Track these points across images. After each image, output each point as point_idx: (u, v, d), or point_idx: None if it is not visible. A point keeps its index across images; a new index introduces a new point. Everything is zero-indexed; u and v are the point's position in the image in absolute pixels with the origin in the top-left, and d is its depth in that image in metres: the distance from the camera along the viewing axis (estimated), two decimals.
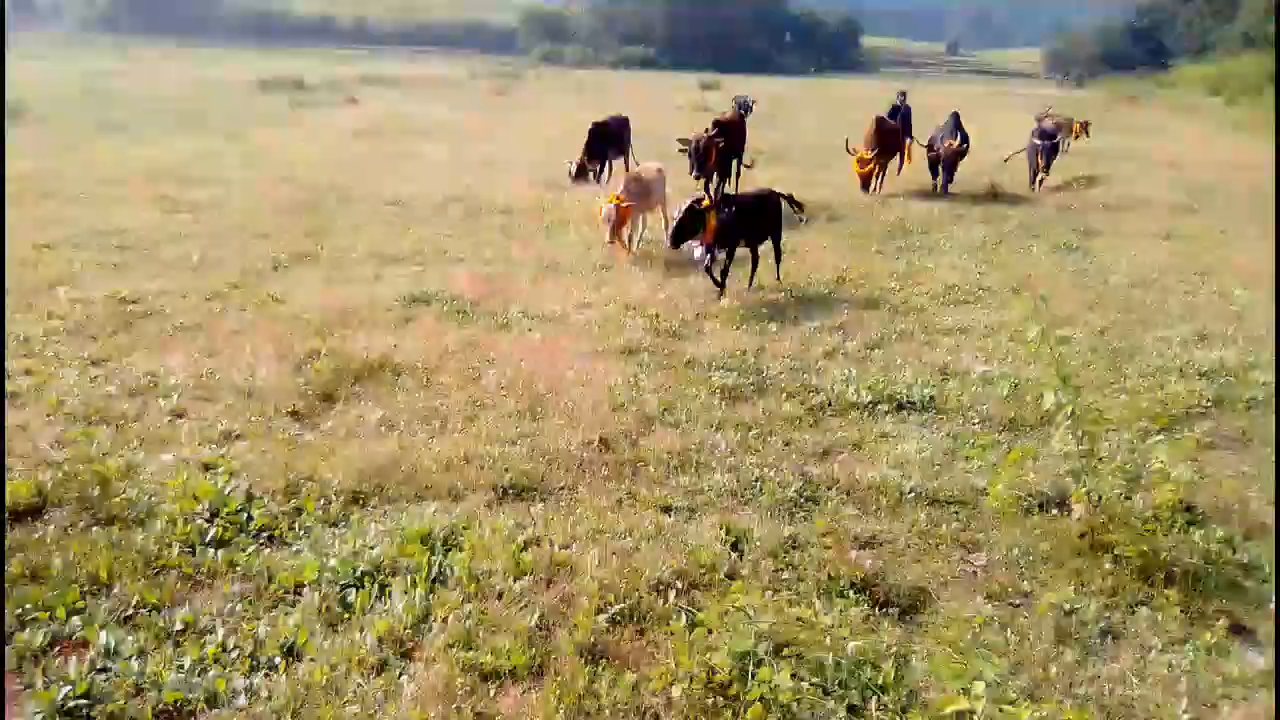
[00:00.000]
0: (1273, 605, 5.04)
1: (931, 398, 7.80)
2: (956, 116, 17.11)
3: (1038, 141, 17.96)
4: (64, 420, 6.64)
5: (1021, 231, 14.77)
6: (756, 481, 6.25)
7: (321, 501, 5.64)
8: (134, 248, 11.52)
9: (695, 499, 6.01)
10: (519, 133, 27.08)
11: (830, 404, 7.64)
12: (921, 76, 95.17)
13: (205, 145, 22.01)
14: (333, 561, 4.95)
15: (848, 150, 16.87)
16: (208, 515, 5.37)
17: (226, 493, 5.57)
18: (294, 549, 5.16)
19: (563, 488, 6.08)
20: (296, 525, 5.39)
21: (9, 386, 7.09)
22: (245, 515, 5.40)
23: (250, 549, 5.11)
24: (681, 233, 10.01)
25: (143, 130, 25.35)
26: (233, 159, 19.69)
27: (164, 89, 39.73)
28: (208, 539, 5.15)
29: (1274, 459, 6.56)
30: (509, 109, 35.74)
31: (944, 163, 16.57)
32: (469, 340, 8.65)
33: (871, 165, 16.68)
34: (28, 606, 4.52)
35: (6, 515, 5.21)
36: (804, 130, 30.56)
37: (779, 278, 11.12)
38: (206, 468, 5.98)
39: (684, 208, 10.10)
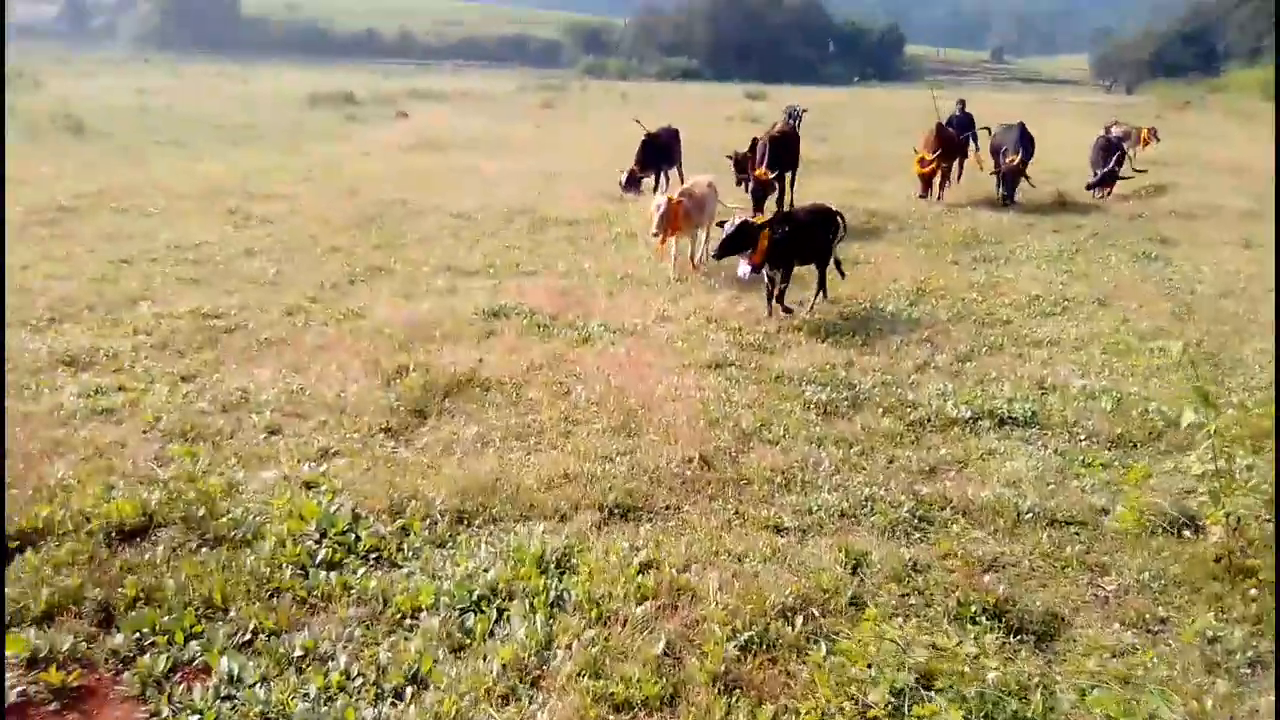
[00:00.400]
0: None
1: (1034, 413, 7.54)
2: (1023, 127, 16.66)
3: (1103, 153, 17.48)
4: (160, 437, 6.58)
5: (1096, 241, 14.46)
6: (866, 501, 6.04)
7: (427, 521, 5.52)
8: (209, 262, 11.54)
9: (805, 519, 5.82)
10: (571, 145, 27.13)
11: (929, 420, 7.43)
12: (965, 84, 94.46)
13: (265, 160, 22.19)
14: (448, 585, 4.82)
15: (916, 153, 16.61)
16: (315, 536, 5.26)
17: (332, 512, 5.46)
18: (405, 571, 5.03)
19: (668, 507, 5.91)
20: (405, 546, 5.26)
21: (104, 403, 7.07)
22: (353, 535, 5.29)
23: (361, 571, 5.00)
24: (729, 246, 9.47)
25: (200, 146, 25.65)
26: (293, 173, 19.79)
27: (217, 105, 40.23)
28: (318, 560, 5.04)
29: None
30: (558, 121, 35.83)
31: (1005, 177, 16.10)
32: (554, 354, 8.52)
33: (933, 166, 16.41)
34: (145, 630, 4.42)
35: (112, 534, 5.15)
36: (855, 139, 30.40)
37: (826, 297, 10.55)
38: (308, 486, 5.88)
39: (734, 221, 9.58)
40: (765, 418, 7.28)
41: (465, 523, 5.58)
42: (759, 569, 5.14)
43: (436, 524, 5.49)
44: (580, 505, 5.81)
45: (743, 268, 9.73)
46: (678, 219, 11.01)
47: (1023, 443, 7.11)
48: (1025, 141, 16.36)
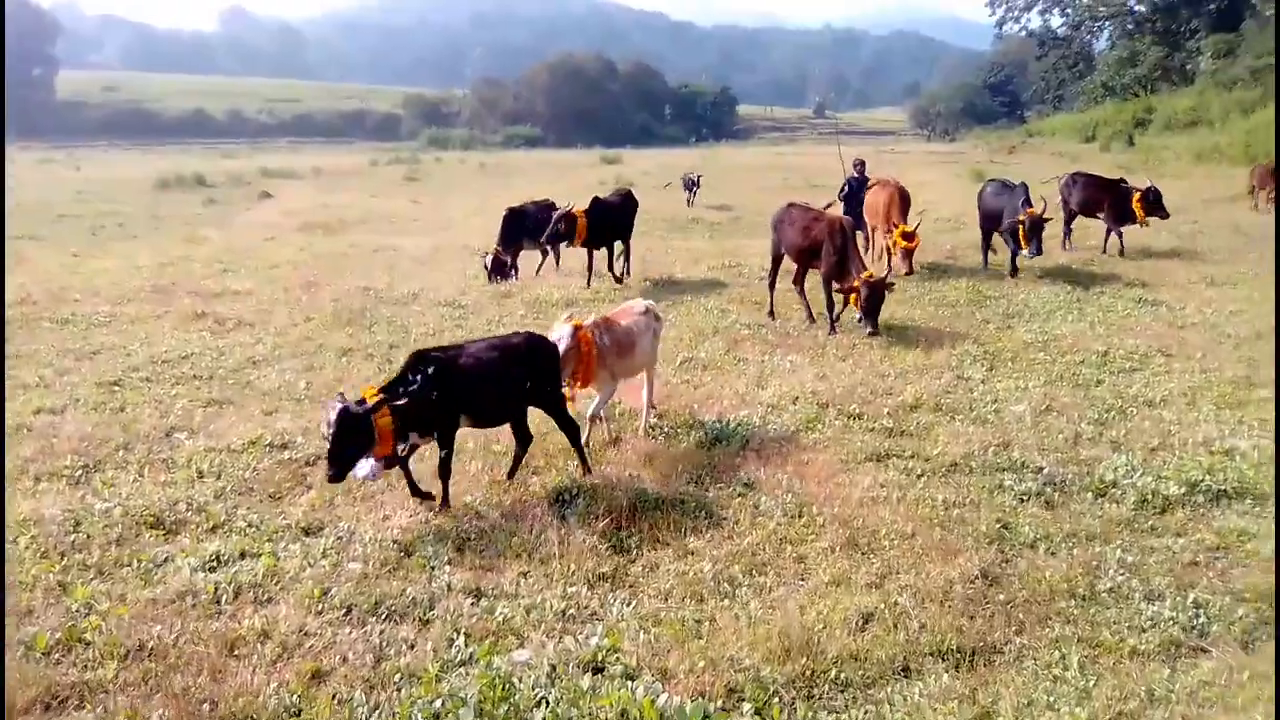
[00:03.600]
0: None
1: (1239, 483, 7.10)
2: (1026, 187, 15.79)
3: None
4: (340, 614, 5.28)
5: (1079, 291, 14.23)
6: (1193, 608, 5.36)
7: (775, 701, 4.48)
8: (215, 378, 9.98)
9: (1152, 636, 5.10)
10: (464, 218, 25.66)
11: (1147, 500, 6.89)
12: (796, 140, 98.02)
13: (165, 253, 20.10)
14: None
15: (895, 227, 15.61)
16: None
17: (660, 704, 4.35)
18: None
19: (1007, 643, 5.07)
20: None
21: (242, 576, 5.66)
22: None
23: None
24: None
25: (70, 239, 23.22)
26: (209, 265, 17.96)
27: (58, 193, 37.03)
28: None
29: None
30: (431, 194, 34.38)
31: (1030, 230, 14.88)
32: (700, 461, 7.54)
33: (917, 239, 15.58)
34: None
35: None
36: (748, 197, 30.17)
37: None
38: (595, 670, 4.75)
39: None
40: (998, 518, 6.54)
41: (811, 696, 4.58)
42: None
43: (789, 706, 4.47)
44: (915, 654, 4.91)
45: (364, 468, 6.35)
46: (589, 361, 7.55)
47: (1256, 518, 6.63)
48: (1028, 199, 15.38)
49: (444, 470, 6.65)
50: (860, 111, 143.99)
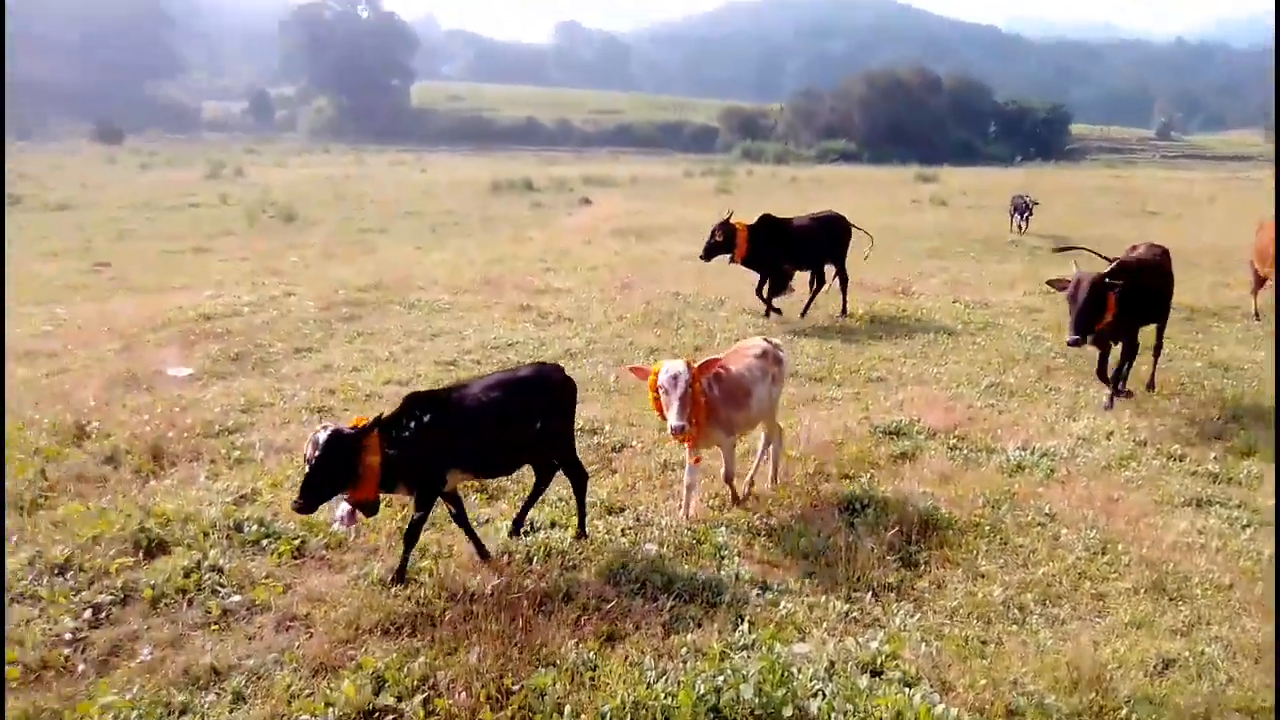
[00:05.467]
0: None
1: None
2: None
3: None
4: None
5: None
6: None
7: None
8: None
9: None
10: None
11: None
12: (1135, 163, 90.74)
13: (494, 250, 22.02)
14: None
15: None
16: None
17: (937, 714, 4.37)
18: None
19: None
20: None
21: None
22: None
23: None
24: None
25: (413, 234, 25.89)
26: (533, 263, 19.46)
27: (405, 192, 41.31)
28: None
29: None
30: (745, 206, 34.81)
31: None
32: (998, 487, 7.35)
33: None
34: None
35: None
36: (1079, 225, 28.37)
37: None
38: (874, 673, 4.83)
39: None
40: None
41: None
42: None
43: None
44: (1219, 708, 4.59)
45: (339, 512, 5.67)
46: (699, 410, 6.43)
47: None
48: None
49: (411, 534, 5.79)
50: (1211, 134, 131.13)
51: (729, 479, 6.99)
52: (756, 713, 4.35)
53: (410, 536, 5.79)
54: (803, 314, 13.95)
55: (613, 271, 17.95)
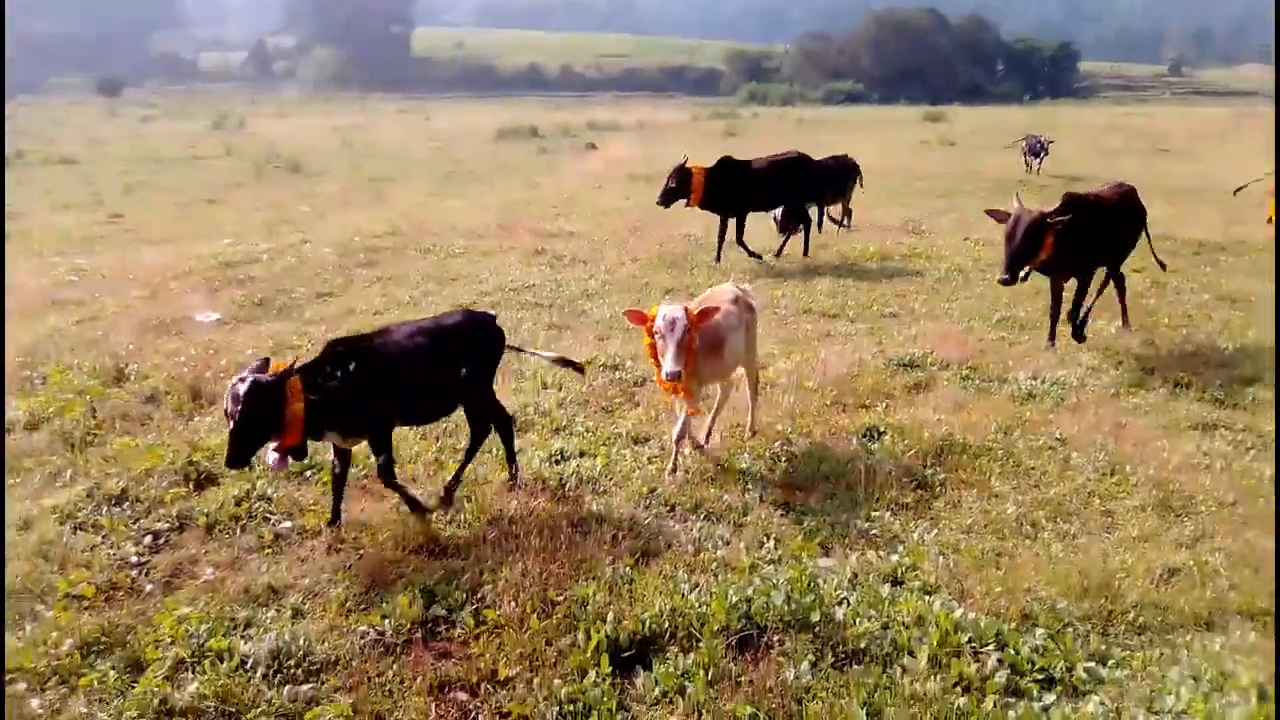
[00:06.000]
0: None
1: None
2: None
3: None
4: (696, 519, 5.95)
5: None
6: None
7: (1070, 631, 4.65)
8: (555, 305, 11.13)
9: None
10: None
11: None
12: (1146, 100, 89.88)
13: (506, 195, 22.17)
14: None
15: None
16: (970, 651, 4.46)
17: (956, 616, 4.65)
18: (1097, 700, 4.18)
19: None
20: (1069, 665, 4.40)
21: (584, 468, 6.50)
22: (1005, 649, 4.45)
23: (1051, 700, 4.17)
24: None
25: (423, 182, 26.00)
26: (546, 208, 19.63)
27: (411, 141, 41.27)
28: (1001, 683, 4.23)
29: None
30: (752, 148, 34.79)
31: None
32: (1013, 415, 7.59)
33: None
34: None
35: (730, 641, 4.47)
36: (1092, 162, 28.33)
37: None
38: (894, 583, 5.11)
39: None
40: None
41: (1106, 633, 4.70)
42: None
43: (1083, 637, 4.62)
44: (1221, 611, 4.87)
45: (271, 459, 5.41)
46: (693, 356, 6.23)
47: None
48: None
49: (387, 477, 5.72)
50: (1226, 68, 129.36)
51: (679, 439, 6.52)
52: (786, 619, 4.64)
53: (387, 479, 5.71)
54: (777, 254, 13.99)
55: (623, 215, 18.11)
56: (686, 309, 6.19)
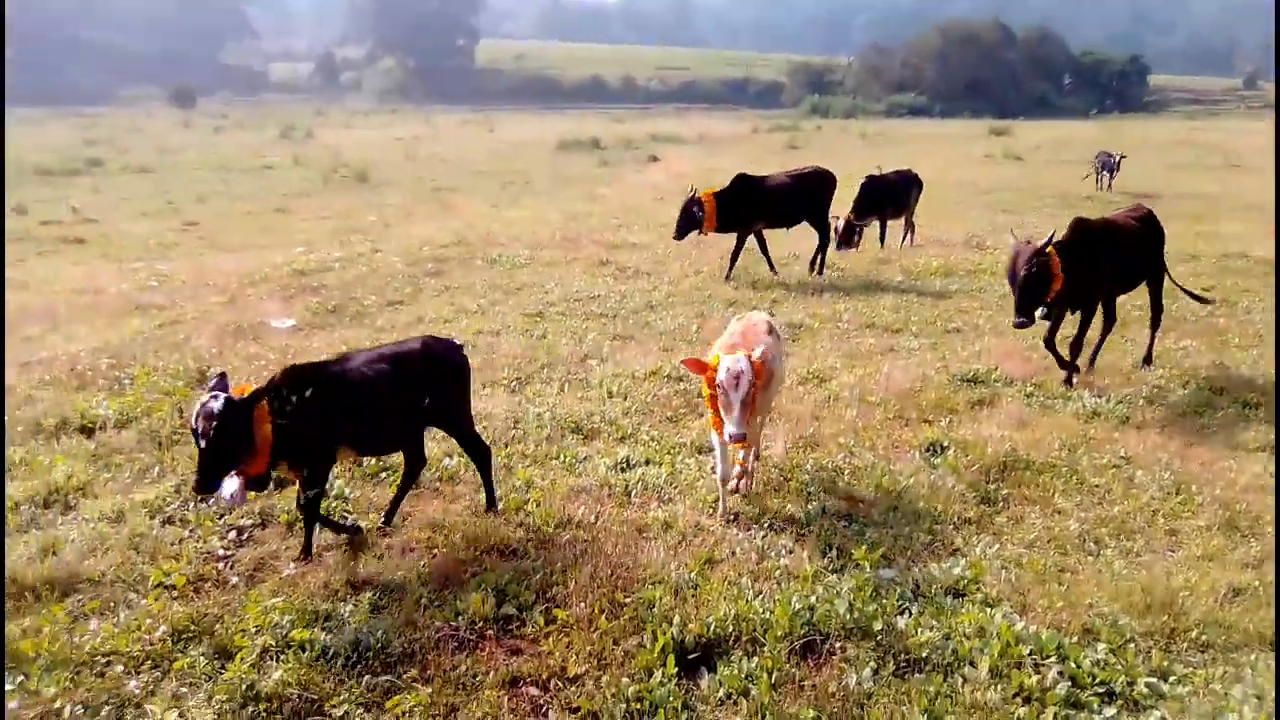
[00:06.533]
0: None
1: None
2: None
3: None
4: (759, 529, 6.07)
5: None
6: None
7: (1131, 647, 4.68)
8: (617, 316, 11.31)
9: None
10: (841, 184, 25.93)
11: None
12: (1218, 114, 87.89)
13: (567, 206, 22.47)
14: None
15: None
16: (1031, 662, 4.52)
17: (1017, 629, 4.70)
18: (1158, 715, 4.21)
19: None
20: (1129, 679, 4.43)
21: (649, 476, 6.65)
22: (1064, 662, 4.51)
23: (1110, 713, 4.22)
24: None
25: (487, 192, 26.45)
26: (606, 219, 19.89)
27: (474, 152, 41.94)
28: (1059, 693, 4.29)
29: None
30: (813, 162, 34.84)
31: None
32: (1075, 432, 7.58)
33: None
34: None
35: (793, 647, 4.57)
36: (1164, 179, 27.85)
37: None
38: (956, 594, 5.17)
39: None
40: None
41: (1169, 650, 4.72)
42: None
43: (1145, 653, 4.65)
44: None
45: (231, 488, 5.27)
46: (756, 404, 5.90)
47: None
48: None
49: (310, 511, 5.47)
50: None
51: (726, 479, 6.23)
52: (849, 626, 4.73)
53: (310, 514, 5.47)
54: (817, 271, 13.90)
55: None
56: (751, 359, 5.71)
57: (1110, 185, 24.89)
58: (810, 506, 6.29)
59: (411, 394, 5.67)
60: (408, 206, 23.56)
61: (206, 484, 4.86)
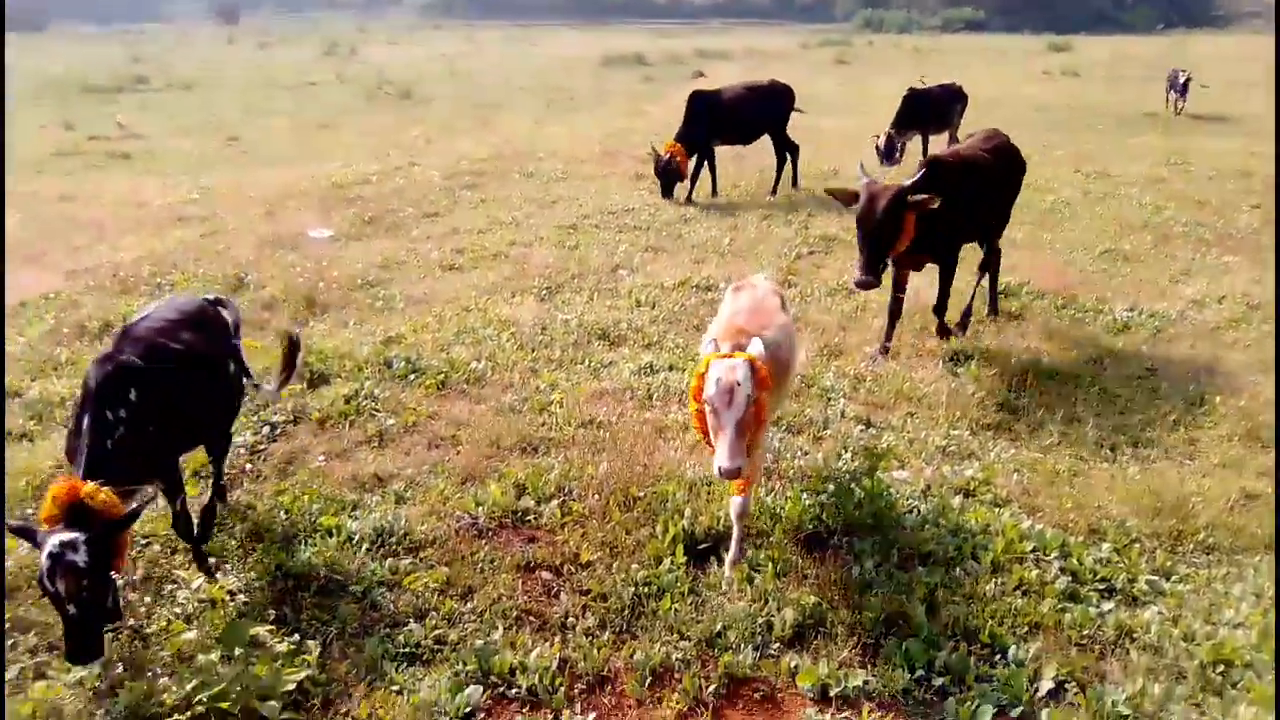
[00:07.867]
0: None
1: None
2: None
3: None
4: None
5: None
6: None
7: (1136, 548, 4.75)
8: (650, 229, 11.35)
9: None
10: (891, 100, 25.19)
11: None
12: None
13: (608, 124, 22.27)
14: (1222, 631, 4.05)
15: None
16: (1033, 558, 4.61)
17: (1026, 528, 4.79)
18: (1154, 610, 4.29)
19: None
20: (1130, 576, 4.51)
21: (672, 381, 6.76)
22: (1066, 559, 4.59)
23: (1109, 606, 4.31)
24: None
25: (528, 108, 26.23)
26: (642, 135, 19.57)
27: (517, 69, 41.45)
28: (1059, 589, 4.38)
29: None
30: (863, 77, 34.13)
31: None
32: (1105, 347, 7.55)
33: None
34: (912, 659, 3.90)
35: (799, 539, 4.70)
36: (1233, 98, 26.83)
37: None
38: (967, 494, 5.26)
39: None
40: None
41: (1174, 551, 4.78)
42: None
43: (1149, 553, 4.71)
44: None
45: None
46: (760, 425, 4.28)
47: None
48: None
49: (182, 527, 4.47)
50: None
51: (741, 516, 4.51)
52: (856, 523, 4.85)
53: (184, 531, 4.49)
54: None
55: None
56: (752, 363, 4.07)
57: (1181, 105, 23.46)
58: (829, 410, 6.37)
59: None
60: (449, 122, 23.48)
61: (86, 654, 3.64)
